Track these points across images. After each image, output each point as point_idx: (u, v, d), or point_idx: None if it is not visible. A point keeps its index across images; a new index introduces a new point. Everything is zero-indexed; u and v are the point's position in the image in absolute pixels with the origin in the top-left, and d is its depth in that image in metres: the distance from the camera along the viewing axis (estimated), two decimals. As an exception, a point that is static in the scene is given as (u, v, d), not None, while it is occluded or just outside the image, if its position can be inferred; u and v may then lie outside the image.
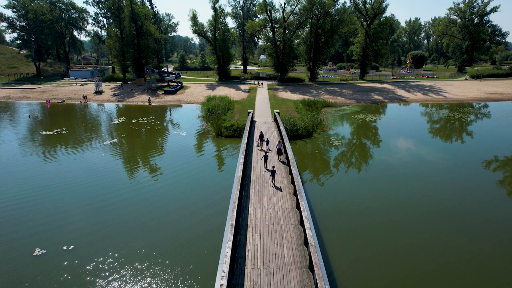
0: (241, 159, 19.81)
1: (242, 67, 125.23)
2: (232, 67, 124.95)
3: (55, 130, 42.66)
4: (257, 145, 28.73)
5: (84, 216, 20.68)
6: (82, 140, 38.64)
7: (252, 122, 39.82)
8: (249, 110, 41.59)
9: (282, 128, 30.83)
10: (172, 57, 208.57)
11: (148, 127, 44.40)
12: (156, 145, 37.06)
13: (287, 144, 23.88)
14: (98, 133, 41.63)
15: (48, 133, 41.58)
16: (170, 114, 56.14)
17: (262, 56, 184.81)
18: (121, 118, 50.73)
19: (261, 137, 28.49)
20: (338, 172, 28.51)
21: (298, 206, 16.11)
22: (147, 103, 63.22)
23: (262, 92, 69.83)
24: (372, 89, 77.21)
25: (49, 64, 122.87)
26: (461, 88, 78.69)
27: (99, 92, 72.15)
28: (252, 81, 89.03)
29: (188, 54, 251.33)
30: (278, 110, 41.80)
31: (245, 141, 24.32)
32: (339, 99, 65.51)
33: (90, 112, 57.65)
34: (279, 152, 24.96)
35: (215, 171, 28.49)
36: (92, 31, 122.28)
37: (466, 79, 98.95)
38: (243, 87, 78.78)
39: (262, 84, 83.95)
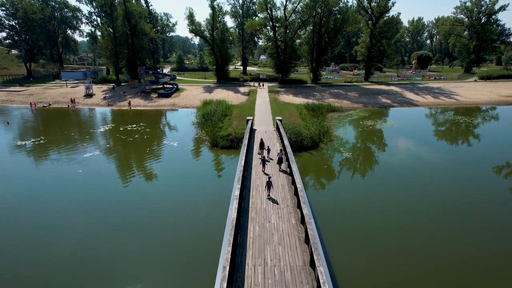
0: (236, 191, 15.48)
1: (241, 67, 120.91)
2: (231, 67, 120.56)
3: (32, 140, 38.37)
4: (258, 153, 26.22)
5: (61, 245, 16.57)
6: (59, 151, 34.30)
7: (252, 131, 35.51)
8: (248, 118, 37.30)
9: (286, 141, 26.53)
10: (171, 58, 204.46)
11: (136, 136, 40.08)
12: (139, 159, 32.61)
13: (294, 167, 19.51)
14: (79, 143, 37.30)
15: (23, 143, 37.28)
16: (163, 120, 51.84)
17: (262, 57, 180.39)
18: (109, 125, 46.43)
19: (262, 144, 25.88)
20: (353, 193, 24.22)
21: (312, 263, 11.85)
22: (127, 107, 59.47)
23: (263, 95, 65.54)
24: (378, 92, 72.87)
25: (42, 65, 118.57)
26: (472, 91, 74.35)
27: (89, 95, 67.81)
28: (252, 83, 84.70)
29: (187, 54, 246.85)
30: (280, 118, 37.46)
31: (242, 162, 20.03)
32: (344, 102, 61.23)
33: (76, 117, 53.36)
34: (280, 161, 22.81)
35: (204, 200, 23.12)
36: (90, 31, 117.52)
37: (475, 80, 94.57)
38: (242, 89, 74.47)
39: (263, 85, 79.72)
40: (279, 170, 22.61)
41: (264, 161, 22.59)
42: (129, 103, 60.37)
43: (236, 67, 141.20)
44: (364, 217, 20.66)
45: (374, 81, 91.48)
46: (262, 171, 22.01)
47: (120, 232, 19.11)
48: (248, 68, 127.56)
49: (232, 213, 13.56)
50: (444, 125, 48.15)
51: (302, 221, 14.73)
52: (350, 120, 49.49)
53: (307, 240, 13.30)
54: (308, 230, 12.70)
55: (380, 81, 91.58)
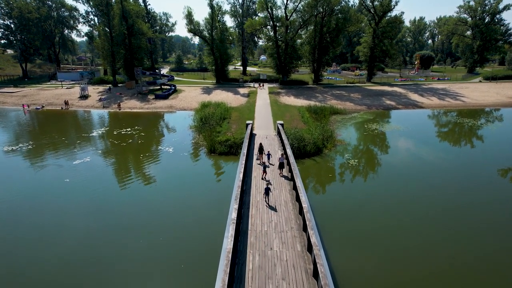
0: (233, 213, 13.46)
1: (241, 68, 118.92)
2: (231, 68, 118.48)
3: (20, 145, 36.40)
4: (257, 159, 24.96)
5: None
6: (47, 157, 32.34)
7: (252, 136, 33.54)
8: (247, 122, 35.27)
9: (289, 150, 24.52)
10: (170, 58, 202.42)
11: (130, 141, 38.10)
12: (131, 167, 30.67)
13: (299, 182, 17.51)
14: (69, 149, 35.29)
15: (10, 148, 35.30)
16: (159, 124, 49.78)
17: (262, 57, 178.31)
18: (102, 128, 44.44)
19: (261, 149, 24.54)
20: (362, 208, 22.20)
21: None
22: (117, 109, 57.77)
23: (263, 97, 63.56)
24: (382, 93, 70.87)
25: (38, 65, 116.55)
26: (478, 92, 72.34)
27: (84, 97, 65.81)
28: (251, 84, 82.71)
29: (187, 54, 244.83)
30: (281, 122, 35.49)
31: (241, 175, 18.04)
32: (347, 104, 59.20)
33: (69, 120, 51.35)
34: (281, 166, 21.98)
35: (197, 221, 20.54)
36: (88, 31, 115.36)
37: (480, 81, 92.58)
38: (242, 90, 72.49)
39: (262, 85, 78.23)
40: (280, 175, 21.70)
41: (264, 167, 21.17)
42: (119, 105, 58.59)
43: (236, 67, 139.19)
44: (379, 237, 18.67)
45: (377, 81, 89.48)
46: (262, 178, 20.89)
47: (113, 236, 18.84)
48: (248, 69, 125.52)
49: (228, 243, 11.57)
50: (453, 129, 46.07)
51: (309, 248, 12.76)
52: (354, 123, 47.50)
53: (315, 273, 11.34)
54: (317, 265, 10.72)
55: (383, 82, 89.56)
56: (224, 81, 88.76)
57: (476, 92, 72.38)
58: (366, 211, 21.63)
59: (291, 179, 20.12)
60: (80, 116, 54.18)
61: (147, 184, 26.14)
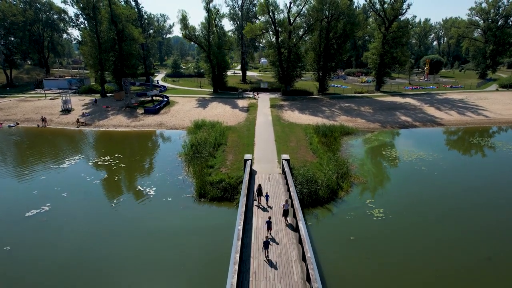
0: None
1: (240, 72, 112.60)
2: (230, 72, 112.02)
3: (-31, 184, 30.11)
4: (254, 199, 23.06)
5: None
6: (-3, 206, 26.07)
7: (251, 177, 27.29)
8: (246, 157, 28.96)
9: (299, 211, 18.23)
10: (167, 61, 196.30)
11: (104, 177, 31.72)
12: (93, 224, 24.26)
13: (307, 248, 11.13)
14: (25, 189, 28.88)
15: (-43, 189, 29.00)
16: (144, 149, 42.94)
17: (263, 60, 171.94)
18: (76, 157, 37.81)
19: (259, 191, 22.49)
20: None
21: None
22: (76, 126, 51.73)
23: (264, 112, 57.23)
24: (395, 106, 64.50)
25: (27, 70, 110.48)
26: (500, 104, 65.92)
27: (66, 111, 59.47)
28: (251, 94, 76.41)
29: (185, 56, 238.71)
30: (287, 157, 29.23)
31: (237, 255, 11.66)
32: (359, 121, 52.80)
33: (41, 143, 44.47)
34: (285, 214, 19.99)
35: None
36: (78, 36, 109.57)
37: (497, 89, 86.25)
38: (241, 103, 66.18)
39: (257, 94, 75.39)
40: (286, 224, 19.78)
41: (269, 223, 18.17)
42: (78, 121, 52.23)
43: (236, 72, 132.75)
44: None
45: (386, 90, 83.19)
46: (266, 236, 17.00)
47: None
48: (248, 74, 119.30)
49: None
50: (486, 153, 39.68)
51: None
52: (369, 148, 41.08)
53: None
54: None
55: (393, 90, 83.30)
56: (222, 89, 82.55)
57: (498, 104, 65.96)
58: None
59: (303, 258, 13.77)
60: (56, 138, 47.55)
61: (106, 254, 19.79)
